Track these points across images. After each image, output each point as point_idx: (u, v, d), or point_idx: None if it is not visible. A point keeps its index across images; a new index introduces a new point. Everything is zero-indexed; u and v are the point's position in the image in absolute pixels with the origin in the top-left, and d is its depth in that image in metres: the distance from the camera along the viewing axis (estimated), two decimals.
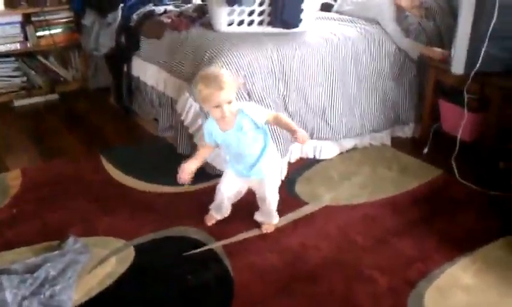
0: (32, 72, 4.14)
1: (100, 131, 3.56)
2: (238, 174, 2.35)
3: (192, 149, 2.86)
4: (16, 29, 3.97)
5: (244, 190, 2.45)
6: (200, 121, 2.71)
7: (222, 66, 2.64)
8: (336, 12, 3.45)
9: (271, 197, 2.36)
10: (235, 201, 2.47)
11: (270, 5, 2.93)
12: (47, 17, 4.02)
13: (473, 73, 2.71)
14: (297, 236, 2.39)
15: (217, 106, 2.10)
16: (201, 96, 2.12)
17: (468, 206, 2.63)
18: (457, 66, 2.78)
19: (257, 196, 2.42)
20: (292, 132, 2.23)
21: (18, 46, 4.00)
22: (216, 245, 2.32)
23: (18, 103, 4.00)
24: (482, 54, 2.67)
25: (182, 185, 2.31)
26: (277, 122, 2.27)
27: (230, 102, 2.11)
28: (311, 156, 3.09)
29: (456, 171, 2.83)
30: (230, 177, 2.39)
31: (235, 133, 2.20)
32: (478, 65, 2.69)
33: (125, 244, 2.32)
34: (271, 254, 2.27)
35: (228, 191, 2.39)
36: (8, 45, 3.95)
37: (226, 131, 2.21)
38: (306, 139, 2.24)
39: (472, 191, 2.74)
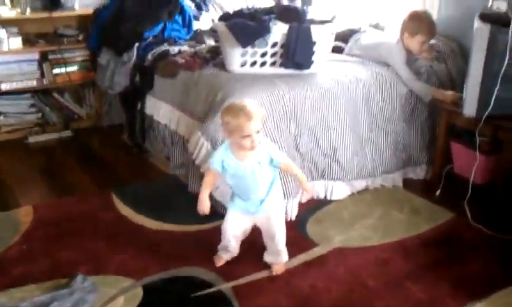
0: (47, 109, 4.20)
1: (113, 168, 3.59)
2: (243, 211, 2.34)
3: None
4: (34, 67, 4.06)
5: (249, 228, 2.43)
6: (213, 167, 2.71)
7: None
8: (347, 54, 3.47)
9: (278, 234, 2.35)
10: (242, 239, 2.45)
11: (282, 47, 2.96)
12: (64, 55, 4.09)
13: (485, 115, 2.70)
14: (308, 278, 2.36)
15: (247, 136, 2.11)
16: (230, 128, 2.14)
17: (481, 250, 2.59)
18: (469, 108, 2.77)
19: (264, 234, 2.40)
20: (301, 181, 2.33)
21: (34, 83, 4.07)
22: (225, 287, 2.29)
23: (32, 139, 4.05)
24: (494, 96, 2.67)
25: (204, 216, 2.34)
26: (288, 169, 2.33)
27: (258, 131, 2.13)
28: (322, 196, 3.08)
29: (468, 214, 2.80)
30: (235, 215, 2.38)
31: (253, 165, 2.20)
32: (490, 108, 2.68)
33: (133, 284, 2.31)
34: (280, 296, 2.24)
35: (233, 230, 2.38)
36: (25, 81, 4.02)
37: (243, 161, 2.20)
38: (310, 196, 2.35)
39: (484, 235, 2.70)
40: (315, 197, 3.06)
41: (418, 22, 3.16)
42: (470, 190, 2.82)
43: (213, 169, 2.28)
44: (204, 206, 2.27)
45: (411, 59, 3.25)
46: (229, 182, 2.33)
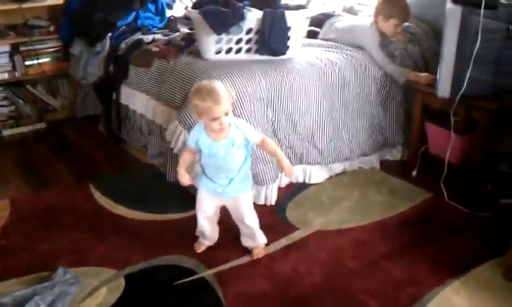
0: (21, 101, 4.14)
1: (90, 159, 3.55)
2: (212, 192, 2.34)
3: None
4: (5, 59, 3.98)
5: (218, 208, 2.44)
6: (190, 145, 2.71)
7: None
8: (322, 39, 3.48)
9: (248, 216, 2.37)
10: (215, 220, 2.46)
11: (257, 33, 2.96)
12: (35, 47, 4.03)
13: (459, 96, 2.75)
14: (289, 262, 2.38)
15: (216, 118, 2.12)
16: (198, 110, 2.15)
17: (457, 228, 2.65)
18: (443, 89, 2.82)
19: (233, 216, 2.42)
20: (278, 160, 2.30)
21: (6, 75, 4.00)
22: (207, 273, 2.31)
23: (6, 132, 3.99)
24: (467, 77, 2.71)
25: (188, 186, 2.42)
26: (264, 146, 2.32)
27: (227, 114, 2.14)
28: (301, 180, 3.10)
29: (445, 193, 2.85)
30: (204, 197, 2.38)
31: (226, 145, 2.21)
32: (463, 88, 2.73)
33: (115, 274, 2.31)
34: (262, 280, 2.26)
35: (203, 210, 2.39)
36: None
37: (217, 141, 2.21)
38: (291, 172, 2.29)
39: (461, 213, 2.76)
40: (294, 182, 3.08)
41: (392, 5, 3.18)
42: (445, 170, 2.87)
43: (189, 145, 2.31)
44: (184, 178, 2.31)
45: (385, 41, 3.27)
46: (202, 162, 2.34)
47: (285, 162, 2.31)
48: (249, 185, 2.38)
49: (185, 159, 2.35)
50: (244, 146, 2.25)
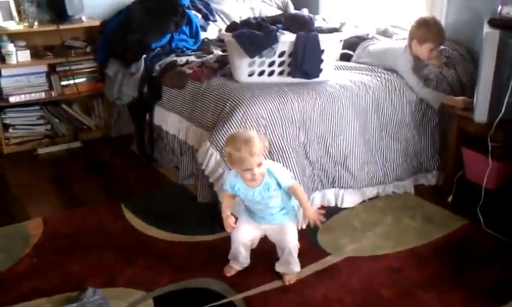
0: (56, 120, 4.21)
1: (122, 179, 3.58)
2: (258, 220, 2.36)
3: (213, 197, 2.86)
4: (42, 79, 4.06)
5: (258, 238, 2.44)
6: (220, 170, 2.71)
7: (243, 116, 2.67)
8: (355, 62, 3.46)
9: (290, 245, 2.33)
10: (251, 248, 2.44)
11: (290, 56, 2.95)
12: (72, 67, 4.10)
13: (496, 121, 2.68)
14: (320, 288, 2.34)
15: (248, 169, 2.14)
16: (231, 159, 2.17)
17: (494, 257, 2.57)
18: (480, 114, 2.75)
19: (276, 245, 2.40)
20: (304, 209, 2.32)
21: (43, 95, 4.07)
22: (236, 298, 2.28)
23: (41, 151, 4.05)
24: (505, 102, 2.64)
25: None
26: (293, 192, 2.32)
27: (260, 165, 2.16)
28: (332, 204, 3.06)
29: (481, 220, 2.77)
30: (245, 223, 2.39)
31: (262, 191, 2.24)
32: (501, 113, 2.66)
33: (144, 296, 2.30)
34: None
35: (242, 238, 2.38)
36: (33, 94, 4.02)
37: (252, 188, 2.24)
38: (316, 218, 2.30)
39: (498, 241, 2.67)
40: (326, 205, 3.04)
41: (427, 29, 3.13)
42: (482, 197, 2.79)
43: (226, 191, 2.34)
44: (228, 225, 2.32)
45: (419, 65, 3.23)
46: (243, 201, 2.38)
47: (310, 211, 2.32)
48: (294, 215, 2.40)
49: (226, 204, 2.37)
50: (279, 189, 2.27)
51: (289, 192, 2.33)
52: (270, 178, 2.23)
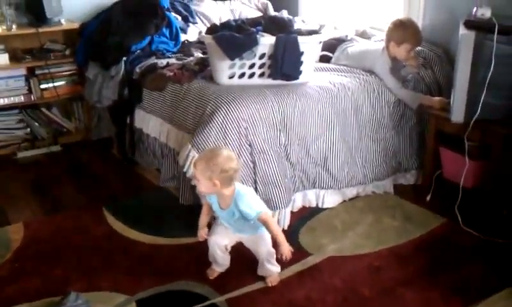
0: (36, 124, 4.17)
1: (103, 182, 3.57)
2: (233, 231, 2.39)
3: (195, 199, 2.87)
4: (21, 82, 4.01)
5: (233, 242, 2.45)
6: (205, 200, 2.72)
7: (224, 119, 2.69)
8: (334, 63, 3.49)
9: (264, 254, 2.36)
10: (229, 250, 2.45)
11: (270, 58, 2.97)
12: (51, 70, 4.07)
13: (473, 121, 2.73)
14: (302, 289, 2.36)
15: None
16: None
17: (473, 255, 2.62)
18: (457, 114, 2.80)
19: (252, 251, 2.43)
20: (278, 242, 2.28)
21: (22, 98, 4.03)
22: (219, 300, 2.29)
23: (21, 155, 4.02)
24: (481, 102, 2.69)
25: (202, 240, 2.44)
26: (266, 225, 2.29)
27: (198, 180, 2.21)
28: (314, 205, 3.09)
29: (459, 218, 2.82)
30: (220, 230, 2.41)
31: (228, 215, 2.29)
32: (477, 113, 2.71)
33: (127, 299, 2.30)
34: None
35: (217, 242, 2.40)
36: (12, 98, 3.98)
37: (222, 209, 2.30)
38: (288, 257, 2.29)
39: (476, 239, 2.73)
40: (307, 206, 3.07)
41: (404, 30, 3.18)
42: (460, 195, 2.85)
43: (206, 200, 2.40)
44: (200, 236, 2.41)
45: (397, 66, 3.27)
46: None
47: (284, 246, 2.28)
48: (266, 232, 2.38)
49: (204, 213, 2.45)
50: (244, 221, 2.27)
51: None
52: (234, 208, 2.24)
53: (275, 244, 2.32)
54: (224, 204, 2.28)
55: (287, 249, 2.27)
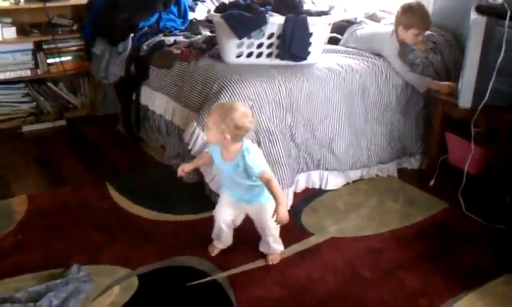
0: (42, 98, 4.18)
1: (107, 158, 3.58)
2: (235, 197, 2.36)
3: (199, 177, 2.87)
4: (28, 56, 4.02)
5: (240, 217, 2.45)
6: (206, 151, 2.72)
7: (230, 98, 2.68)
8: (343, 45, 3.47)
9: (269, 227, 2.35)
10: (233, 227, 2.46)
11: (278, 38, 2.95)
12: (58, 45, 4.06)
13: (480, 107, 2.71)
14: (303, 268, 2.37)
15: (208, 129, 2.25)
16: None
17: (474, 240, 2.62)
18: (465, 100, 2.78)
19: (256, 225, 2.41)
20: (276, 203, 2.16)
21: (28, 72, 4.04)
22: (220, 276, 2.30)
23: (26, 128, 4.03)
24: (489, 88, 2.67)
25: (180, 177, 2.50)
26: (267, 185, 2.20)
27: (208, 128, 2.21)
28: (317, 186, 3.09)
29: (462, 204, 2.81)
30: (226, 202, 2.40)
31: (231, 168, 2.26)
32: (485, 99, 2.69)
33: (129, 273, 2.31)
34: (275, 286, 2.25)
35: (223, 215, 2.40)
36: (19, 71, 3.99)
37: (225, 161, 2.26)
38: (283, 221, 2.17)
39: (478, 225, 2.73)
40: (311, 187, 3.06)
41: (412, 14, 3.15)
42: (464, 181, 2.84)
43: (208, 153, 2.39)
44: (182, 169, 2.42)
45: (405, 50, 3.25)
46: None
47: (282, 209, 2.15)
48: (270, 200, 2.29)
49: (198, 160, 2.50)
50: (247, 176, 2.24)
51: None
52: (240, 160, 2.22)
53: (276, 206, 2.18)
54: (228, 157, 2.25)
55: (284, 212, 2.15)
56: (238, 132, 2.17)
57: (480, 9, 2.74)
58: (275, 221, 2.17)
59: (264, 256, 2.43)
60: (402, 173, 3.31)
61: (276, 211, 2.15)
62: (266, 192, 2.25)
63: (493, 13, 2.67)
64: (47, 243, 2.53)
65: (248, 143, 2.27)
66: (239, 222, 2.47)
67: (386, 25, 3.57)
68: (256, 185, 2.27)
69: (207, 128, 2.24)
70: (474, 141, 2.81)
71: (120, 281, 2.26)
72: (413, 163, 3.39)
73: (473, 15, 2.72)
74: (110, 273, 2.31)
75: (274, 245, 2.41)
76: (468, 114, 2.80)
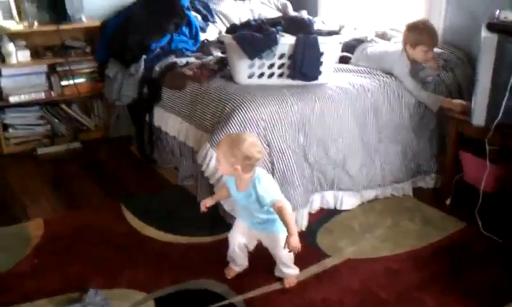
0: (56, 121, 4.22)
1: (121, 180, 3.59)
2: (249, 223, 2.38)
3: None
4: (42, 79, 4.07)
5: (254, 242, 2.45)
6: (220, 172, 2.73)
7: (243, 118, 2.69)
8: (354, 64, 3.47)
9: (282, 255, 2.34)
10: (248, 250, 2.46)
11: (290, 58, 2.97)
12: (72, 67, 4.11)
13: (494, 125, 2.70)
14: (320, 291, 2.36)
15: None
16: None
17: (492, 260, 2.59)
18: (478, 118, 2.77)
19: (270, 251, 2.42)
20: (288, 232, 2.18)
21: (43, 95, 4.07)
22: (237, 300, 2.30)
23: (41, 151, 4.06)
24: (503, 106, 2.66)
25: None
26: (280, 213, 2.21)
27: (219, 160, 2.24)
28: (332, 206, 3.08)
29: (479, 223, 2.79)
30: (240, 226, 2.42)
31: (244, 198, 2.28)
32: (499, 117, 2.68)
33: (145, 297, 2.32)
34: None
35: (237, 239, 2.40)
36: (33, 94, 4.02)
37: (239, 191, 2.28)
38: (295, 250, 2.20)
39: (496, 244, 2.70)
40: (325, 208, 3.06)
41: (418, 32, 3.15)
42: (480, 199, 2.82)
43: (225, 183, 2.41)
44: (203, 204, 2.43)
45: (416, 68, 3.24)
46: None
47: (293, 240, 2.16)
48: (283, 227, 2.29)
49: (218, 193, 2.52)
50: (260, 206, 2.25)
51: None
52: (252, 189, 2.23)
53: (288, 237, 2.20)
54: (242, 187, 2.27)
55: (295, 242, 2.17)
56: (248, 163, 2.19)
57: (491, 27, 2.73)
58: (286, 250, 2.21)
59: (280, 279, 2.42)
60: (418, 192, 3.29)
61: (287, 241, 2.17)
62: (279, 222, 2.25)
63: (504, 31, 2.66)
64: (63, 267, 2.54)
65: (259, 172, 2.28)
66: (252, 246, 2.47)
67: (397, 44, 3.57)
68: (269, 217, 2.29)
69: (217, 160, 2.27)
70: (489, 159, 2.78)
71: (137, 305, 2.27)
72: (428, 182, 3.37)
73: (485, 33, 2.71)
74: (126, 297, 2.31)
75: (287, 271, 2.41)
76: (482, 132, 2.78)
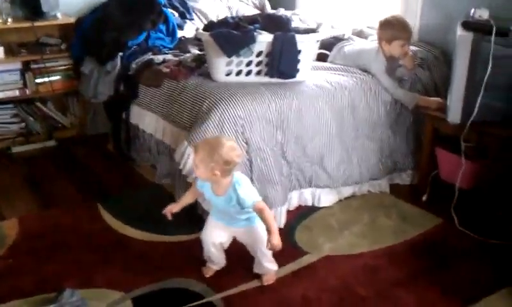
0: (31, 118, 4.15)
1: (98, 178, 3.55)
2: (225, 222, 2.36)
3: None
4: (16, 76, 3.99)
5: (229, 240, 2.43)
6: (195, 186, 2.71)
7: (221, 116, 2.68)
8: (331, 62, 3.48)
9: (260, 249, 2.33)
10: (223, 248, 2.44)
11: (267, 56, 2.96)
12: (47, 64, 4.04)
13: (469, 122, 2.74)
14: (298, 288, 2.36)
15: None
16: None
17: (468, 255, 2.63)
18: (454, 115, 2.81)
19: (248, 247, 2.41)
20: (269, 232, 2.19)
21: (17, 93, 4.01)
22: (215, 298, 2.29)
23: (15, 149, 3.99)
24: (478, 103, 2.70)
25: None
26: (260, 214, 2.22)
27: (196, 166, 2.18)
28: (310, 204, 3.09)
29: (455, 219, 2.83)
30: (212, 224, 2.40)
31: (224, 202, 2.25)
32: (474, 114, 2.71)
33: (122, 296, 2.30)
34: (271, 306, 2.24)
35: (210, 238, 2.39)
36: (7, 92, 3.95)
37: (216, 195, 2.26)
38: (276, 248, 2.19)
39: (472, 240, 2.73)
40: (303, 205, 3.07)
41: (391, 27, 3.16)
42: (456, 196, 2.85)
43: (196, 184, 2.36)
44: (169, 210, 2.39)
45: (393, 66, 3.26)
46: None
47: (274, 238, 2.16)
48: (260, 224, 2.30)
49: (186, 197, 2.45)
50: (240, 207, 2.24)
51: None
52: (233, 193, 2.21)
53: (268, 233, 2.22)
54: (219, 191, 2.24)
55: (277, 240, 2.16)
56: (227, 168, 2.17)
57: (466, 26, 2.77)
58: (268, 249, 2.19)
59: (259, 276, 2.41)
60: (395, 189, 3.32)
61: (269, 240, 2.17)
62: (256, 216, 2.26)
63: (479, 29, 2.70)
64: (39, 267, 2.50)
65: (237, 175, 2.27)
66: (227, 244, 2.45)
67: (373, 42, 3.58)
68: (249, 216, 2.29)
69: (195, 165, 2.21)
70: (465, 155, 2.82)
71: (114, 305, 2.24)
72: (404, 178, 3.41)
73: (460, 31, 2.75)
74: (103, 297, 2.29)
75: (268, 265, 2.39)
76: (458, 129, 2.82)
